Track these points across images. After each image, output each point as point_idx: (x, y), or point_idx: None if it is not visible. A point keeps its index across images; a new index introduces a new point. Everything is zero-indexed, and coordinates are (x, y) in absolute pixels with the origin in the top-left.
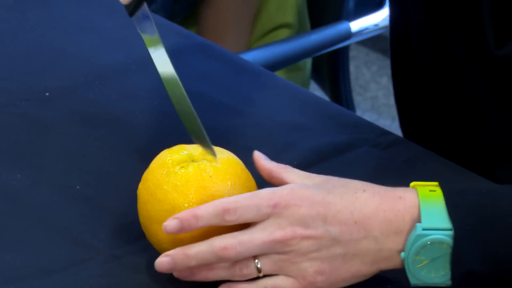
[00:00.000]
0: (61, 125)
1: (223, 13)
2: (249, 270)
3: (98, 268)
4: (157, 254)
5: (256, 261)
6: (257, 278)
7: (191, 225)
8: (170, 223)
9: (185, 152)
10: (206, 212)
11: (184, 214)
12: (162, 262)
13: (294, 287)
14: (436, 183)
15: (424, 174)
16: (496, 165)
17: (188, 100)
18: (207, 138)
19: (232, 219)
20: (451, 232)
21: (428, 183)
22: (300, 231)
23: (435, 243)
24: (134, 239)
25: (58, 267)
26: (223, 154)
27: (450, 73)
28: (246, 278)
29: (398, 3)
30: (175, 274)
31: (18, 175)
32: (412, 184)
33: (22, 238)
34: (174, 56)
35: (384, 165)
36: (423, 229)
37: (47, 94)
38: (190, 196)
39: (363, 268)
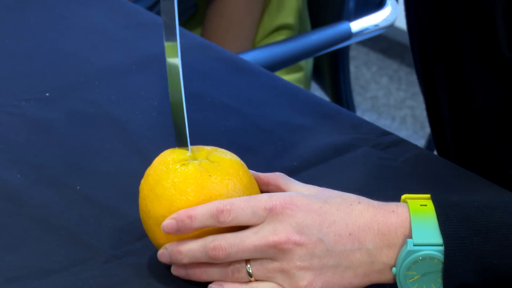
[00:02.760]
0: (61, 125)
1: (227, 14)
2: (241, 274)
3: (98, 268)
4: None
5: (248, 266)
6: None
7: (186, 225)
8: (167, 224)
9: (188, 151)
10: (201, 213)
11: (179, 214)
12: (162, 254)
13: None
14: (428, 195)
15: (424, 174)
16: (509, 166)
17: (183, 100)
18: (187, 137)
19: (227, 220)
20: (441, 248)
21: (419, 196)
22: (294, 237)
23: (426, 258)
24: (134, 239)
25: (58, 267)
26: (226, 155)
27: (462, 75)
28: (238, 281)
29: (411, 8)
30: (173, 272)
31: (18, 175)
32: (403, 197)
33: (22, 238)
34: None
35: (384, 165)
36: (414, 245)
37: (47, 94)
38: (188, 193)
39: (354, 281)
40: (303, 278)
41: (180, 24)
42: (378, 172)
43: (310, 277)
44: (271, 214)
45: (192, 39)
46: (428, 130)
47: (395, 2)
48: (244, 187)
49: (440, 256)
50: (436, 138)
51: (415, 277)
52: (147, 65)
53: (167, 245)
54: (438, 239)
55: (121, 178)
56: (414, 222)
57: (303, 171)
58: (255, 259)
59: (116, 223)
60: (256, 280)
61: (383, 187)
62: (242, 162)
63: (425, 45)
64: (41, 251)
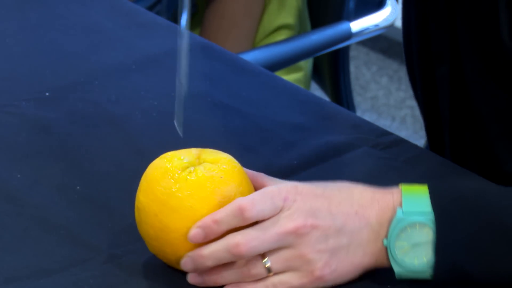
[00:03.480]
0: (61, 125)
1: (227, 15)
2: (257, 270)
3: (98, 268)
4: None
5: (265, 260)
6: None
7: (213, 231)
8: (194, 233)
9: (182, 157)
10: (225, 215)
11: (204, 221)
12: (185, 262)
13: (301, 282)
14: (425, 184)
15: (424, 174)
16: (506, 162)
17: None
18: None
19: (252, 215)
20: (431, 216)
21: (416, 184)
22: (310, 221)
23: (415, 226)
24: (134, 239)
25: (58, 267)
26: (220, 154)
27: (462, 67)
28: (255, 279)
29: (412, 9)
30: (189, 280)
31: (18, 175)
32: (400, 185)
33: (22, 238)
34: (174, 56)
35: (384, 165)
36: (404, 213)
37: (47, 94)
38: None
39: (364, 260)
40: (320, 260)
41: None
42: (378, 172)
43: (326, 258)
44: (286, 203)
45: (192, 39)
46: None
47: (395, 2)
48: (247, 182)
49: (431, 224)
50: (431, 136)
51: (406, 248)
52: (147, 65)
53: (189, 253)
54: (428, 208)
55: (121, 178)
56: (405, 195)
57: (303, 171)
58: (271, 253)
59: (116, 223)
60: (274, 274)
61: (383, 187)
62: (232, 157)
63: (428, 45)
64: (41, 251)
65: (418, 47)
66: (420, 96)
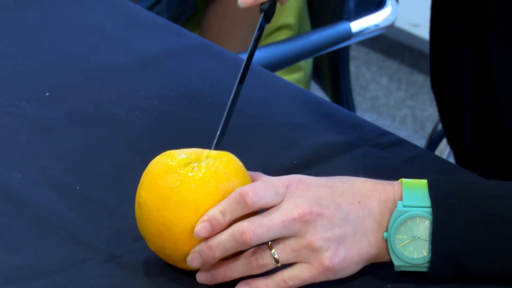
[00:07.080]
0: (61, 125)
1: (227, 16)
2: (265, 260)
3: (98, 268)
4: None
5: (273, 251)
6: (275, 271)
7: (220, 222)
8: (201, 227)
9: (184, 154)
10: (228, 205)
11: (209, 215)
12: (192, 257)
13: (311, 274)
14: (425, 179)
15: (424, 174)
16: None
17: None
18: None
19: (253, 201)
20: (430, 209)
21: (416, 179)
22: (315, 208)
23: (415, 219)
24: (134, 239)
25: (58, 267)
26: (224, 152)
27: (488, 56)
28: (264, 270)
29: None
30: (198, 279)
31: (18, 175)
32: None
33: (22, 238)
34: (174, 56)
35: (384, 165)
36: (404, 206)
37: (47, 94)
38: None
39: (370, 250)
40: (328, 248)
41: (180, 24)
42: (378, 172)
43: (334, 246)
44: (288, 191)
45: (192, 39)
46: (428, 130)
47: (395, 2)
48: (249, 180)
49: (429, 217)
50: (453, 125)
51: (406, 242)
52: (147, 65)
53: (195, 247)
54: (427, 202)
55: (121, 178)
56: (405, 188)
57: (302, 171)
58: (277, 243)
59: (116, 223)
60: (282, 265)
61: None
62: (233, 155)
63: (455, 25)
64: (41, 251)
65: (442, 27)
66: (450, 77)
